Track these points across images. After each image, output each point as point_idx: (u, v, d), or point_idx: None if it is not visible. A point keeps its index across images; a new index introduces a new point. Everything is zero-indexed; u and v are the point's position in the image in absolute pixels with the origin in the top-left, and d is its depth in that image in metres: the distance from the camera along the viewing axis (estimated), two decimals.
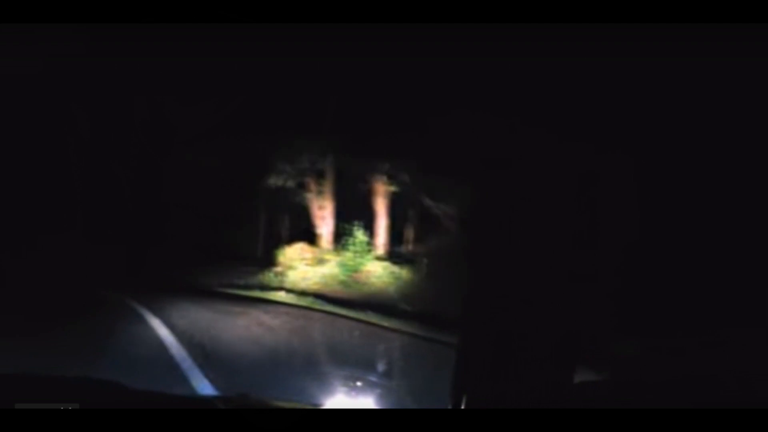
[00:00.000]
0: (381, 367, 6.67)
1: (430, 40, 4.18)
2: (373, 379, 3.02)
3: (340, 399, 2.64)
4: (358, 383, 2.83)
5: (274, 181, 12.13)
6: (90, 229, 11.38)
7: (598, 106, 4.16)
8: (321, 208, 12.46)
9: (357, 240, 12.26)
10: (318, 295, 11.05)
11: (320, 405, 2.54)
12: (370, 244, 12.32)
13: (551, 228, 4.32)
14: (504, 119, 4.21)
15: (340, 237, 12.63)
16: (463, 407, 2.52)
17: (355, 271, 11.88)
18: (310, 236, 12.92)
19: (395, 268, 12.22)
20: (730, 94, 4.31)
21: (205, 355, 7.68)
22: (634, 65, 4.01)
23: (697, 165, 4.74)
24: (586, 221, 4.44)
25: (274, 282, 11.86)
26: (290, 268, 12.20)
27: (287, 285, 11.72)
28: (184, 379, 6.69)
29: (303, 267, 12.19)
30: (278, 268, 12.35)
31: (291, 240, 12.75)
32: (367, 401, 2.65)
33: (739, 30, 3.55)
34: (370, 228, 12.77)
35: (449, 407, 2.60)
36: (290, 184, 12.46)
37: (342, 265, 11.85)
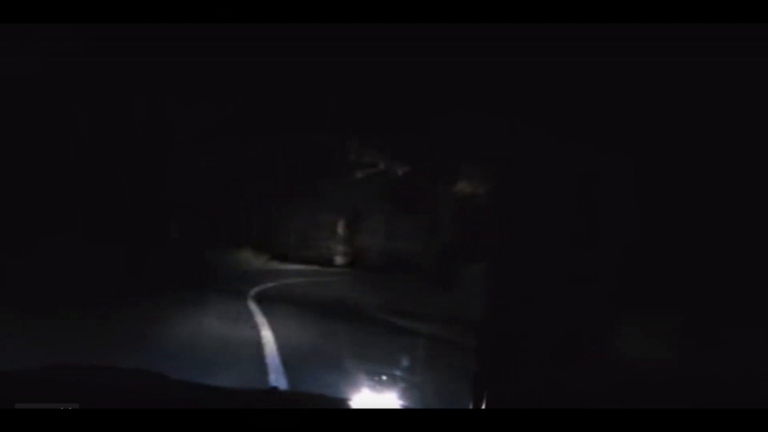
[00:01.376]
0: None
1: (430, 40, 4.19)
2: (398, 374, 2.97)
3: (367, 395, 2.59)
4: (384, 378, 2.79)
5: (462, 187, 11.11)
6: (90, 229, 11.35)
7: (598, 106, 4.16)
8: None
9: None
10: None
11: (347, 400, 2.53)
12: None
13: (551, 228, 4.33)
14: (504, 119, 4.22)
15: None
16: (471, 408, 2.53)
17: None
18: None
19: None
20: (729, 94, 4.31)
21: None
22: (634, 65, 4.00)
23: (697, 165, 4.74)
24: (586, 221, 4.46)
25: (456, 311, 10.18)
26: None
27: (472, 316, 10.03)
28: None
29: None
30: (459, 291, 10.97)
31: (475, 256, 11.62)
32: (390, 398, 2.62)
33: (739, 30, 3.55)
34: None
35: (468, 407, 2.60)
36: (481, 191, 11.32)
37: None
